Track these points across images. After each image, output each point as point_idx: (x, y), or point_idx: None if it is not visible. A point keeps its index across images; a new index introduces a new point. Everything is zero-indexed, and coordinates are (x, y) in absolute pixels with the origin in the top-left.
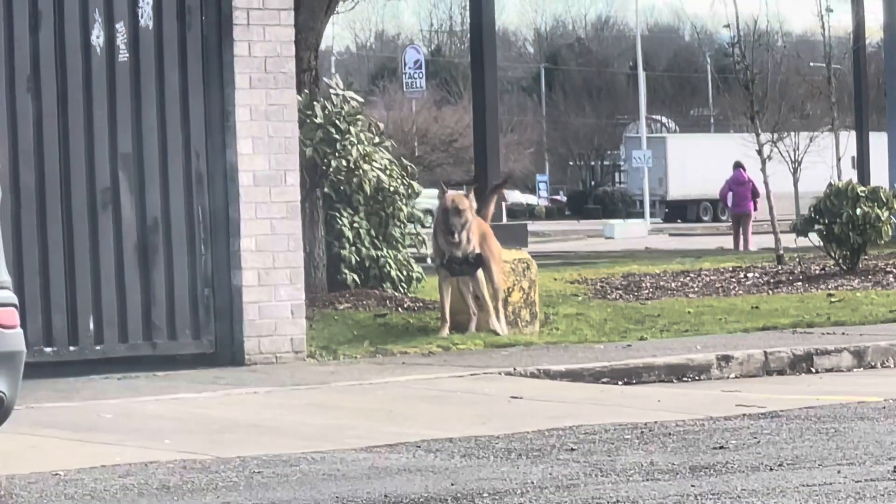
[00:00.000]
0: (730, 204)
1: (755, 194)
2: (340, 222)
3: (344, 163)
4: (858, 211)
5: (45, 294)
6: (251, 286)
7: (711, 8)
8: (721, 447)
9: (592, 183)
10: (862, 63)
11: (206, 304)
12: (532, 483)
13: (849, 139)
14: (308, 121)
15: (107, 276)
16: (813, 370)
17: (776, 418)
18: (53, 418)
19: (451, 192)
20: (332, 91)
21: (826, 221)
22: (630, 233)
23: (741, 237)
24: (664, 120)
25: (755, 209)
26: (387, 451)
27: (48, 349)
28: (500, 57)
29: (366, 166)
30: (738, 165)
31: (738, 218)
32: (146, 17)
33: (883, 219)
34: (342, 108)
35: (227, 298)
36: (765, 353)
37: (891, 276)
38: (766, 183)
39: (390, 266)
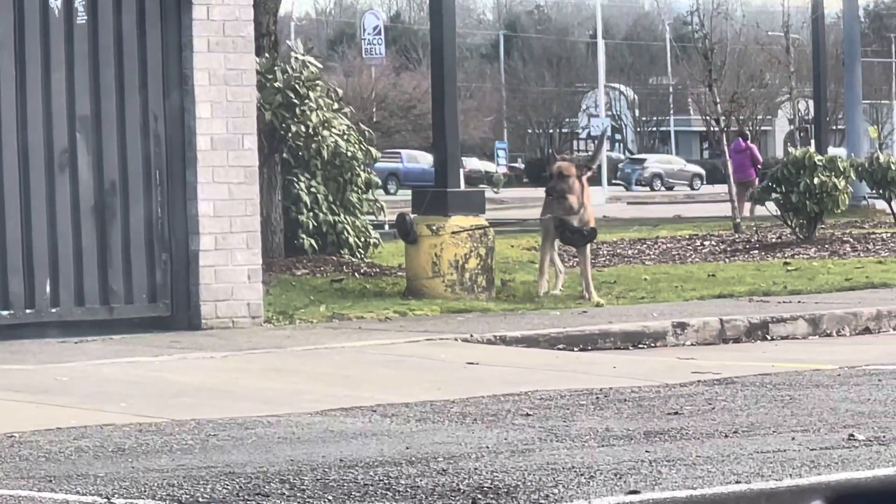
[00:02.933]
0: (731, 171)
1: (754, 161)
2: (298, 187)
3: (303, 128)
4: (816, 180)
5: (2, 257)
6: (208, 250)
7: None
8: (676, 413)
9: (550, 150)
10: (820, 33)
11: (163, 268)
12: (487, 448)
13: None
14: (268, 85)
15: (63, 239)
16: (769, 338)
17: (731, 385)
18: (9, 381)
19: (560, 161)
20: (292, 55)
21: (783, 190)
22: None
23: (743, 203)
24: (623, 88)
25: (756, 175)
26: (342, 415)
27: (4, 312)
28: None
29: (324, 132)
30: (739, 134)
31: (741, 185)
32: None
33: (840, 188)
34: (301, 72)
35: (183, 262)
36: (721, 320)
37: (847, 245)
38: (724, 152)
39: (348, 232)
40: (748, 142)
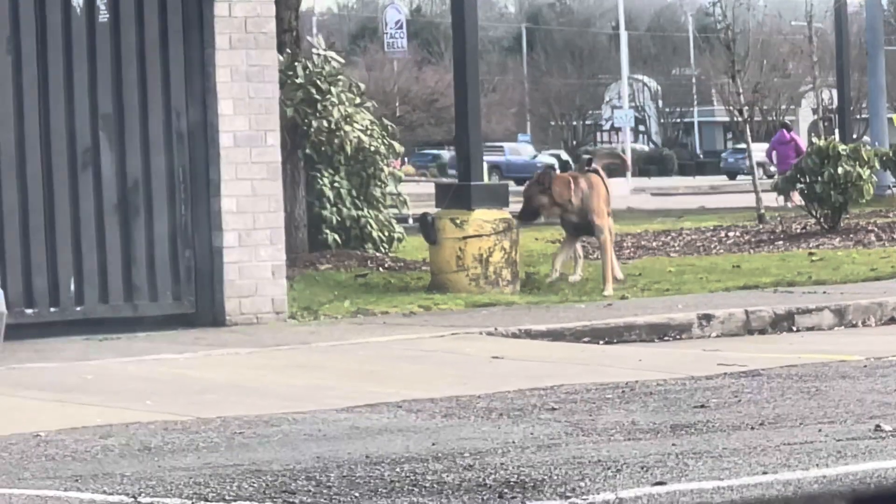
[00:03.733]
0: (775, 162)
1: (798, 153)
2: (321, 183)
3: (325, 123)
4: (840, 170)
5: (26, 255)
6: (232, 247)
7: None
8: (702, 406)
9: (574, 143)
10: (843, 21)
11: (186, 265)
12: (513, 443)
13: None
14: (289, 81)
15: (87, 237)
16: (794, 329)
17: (757, 377)
18: (34, 379)
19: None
20: (313, 51)
21: (808, 180)
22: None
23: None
24: (646, 80)
25: None
26: (368, 411)
27: (29, 311)
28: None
29: (347, 127)
30: (782, 125)
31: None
32: None
33: (864, 177)
34: (323, 68)
35: (207, 259)
36: (746, 311)
37: (872, 234)
38: (748, 143)
39: (371, 226)
40: (792, 133)
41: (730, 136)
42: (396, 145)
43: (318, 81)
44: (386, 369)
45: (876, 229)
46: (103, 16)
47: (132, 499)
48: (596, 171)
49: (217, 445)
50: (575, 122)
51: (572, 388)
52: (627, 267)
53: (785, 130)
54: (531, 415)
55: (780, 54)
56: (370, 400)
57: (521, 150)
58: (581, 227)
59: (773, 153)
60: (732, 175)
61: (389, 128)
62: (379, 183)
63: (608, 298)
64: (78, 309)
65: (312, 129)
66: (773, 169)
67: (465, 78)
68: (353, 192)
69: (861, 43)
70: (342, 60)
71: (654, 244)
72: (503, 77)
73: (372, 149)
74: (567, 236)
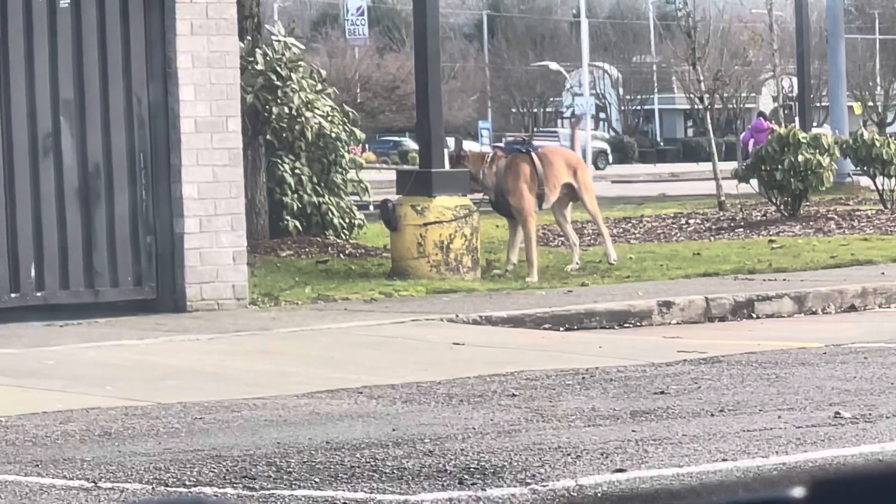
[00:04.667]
0: (751, 150)
1: None
2: (282, 169)
3: (286, 110)
4: (800, 157)
5: None
6: (193, 233)
7: None
8: (662, 392)
9: (535, 129)
10: (804, 10)
11: (147, 251)
12: (473, 428)
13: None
14: (249, 67)
15: (48, 223)
16: (754, 316)
17: (717, 364)
18: None
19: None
20: (273, 38)
21: (768, 168)
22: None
23: None
24: (606, 67)
25: None
26: (328, 396)
27: None
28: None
29: (308, 113)
30: (760, 114)
31: None
32: None
33: (825, 165)
34: (283, 54)
35: (168, 245)
36: (706, 299)
37: (832, 222)
38: (708, 130)
39: (332, 213)
40: (769, 122)
41: (690, 123)
42: (357, 132)
43: (279, 68)
44: (347, 355)
45: (836, 217)
46: (64, 2)
47: (92, 483)
48: (528, 154)
49: (177, 431)
50: (536, 110)
51: (533, 375)
52: (588, 254)
53: (763, 119)
54: (491, 401)
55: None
56: (331, 386)
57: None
58: (501, 206)
59: (751, 141)
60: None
61: (350, 114)
62: (340, 169)
63: (532, 286)
64: (38, 294)
65: (273, 116)
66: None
67: (426, 65)
68: (314, 179)
69: (821, 31)
70: (303, 47)
71: (615, 231)
72: (464, 64)
73: (333, 135)
74: (507, 221)
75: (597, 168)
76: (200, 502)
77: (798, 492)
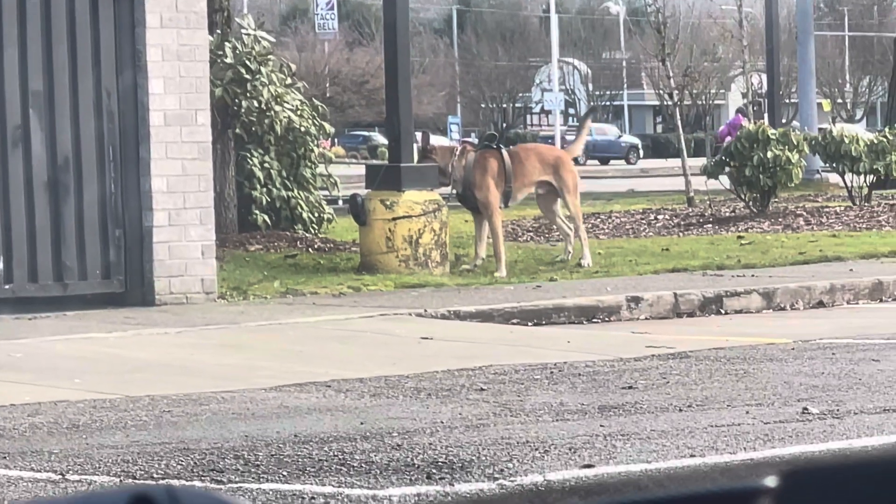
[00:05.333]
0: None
1: None
2: (251, 163)
3: (255, 103)
4: (770, 154)
5: None
6: (161, 226)
7: None
8: (630, 387)
9: (504, 125)
10: (773, 6)
11: (116, 244)
12: (441, 422)
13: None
14: (219, 61)
15: (17, 216)
16: (723, 312)
17: (685, 359)
18: None
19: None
20: (243, 31)
21: (737, 164)
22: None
23: None
24: (576, 63)
25: None
26: (297, 390)
27: None
28: None
29: (277, 107)
30: (738, 111)
31: None
32: None
33: (794, 161)
34: (253, 48)
35: (137, 238)
36: (675, 294)
37: (801, 218)
38: (678, 126)
39: (301, 207)
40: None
41: (659, 119)
42: (327, 126)
43: (248, 61)
44: (315, 349)
45: (805, 213)
46: None
47: (60, 476)
48: (498, 150)
49: (145, 424)
50: (505, 105)
51: (501, 369)
52: (557, 249)
53: (740, 115)
54: (459, 395)
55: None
56: (299, 379)
57: (606, 130)
58: (468, 200)
59: (728, 137)
60: None
61: (320, 108)
62: (309, 164)
63: (500, 280)
64: (7, 287)
65: (243, 110)
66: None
67: (395, 60)
68: (284, 173)
69: (791, 27)
70: (272, 40)
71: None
72: (434, 58)
73: (302, 129)
74: (473, 215)
75: (628, 163)
76: (171, 490)
77: (770, 481)
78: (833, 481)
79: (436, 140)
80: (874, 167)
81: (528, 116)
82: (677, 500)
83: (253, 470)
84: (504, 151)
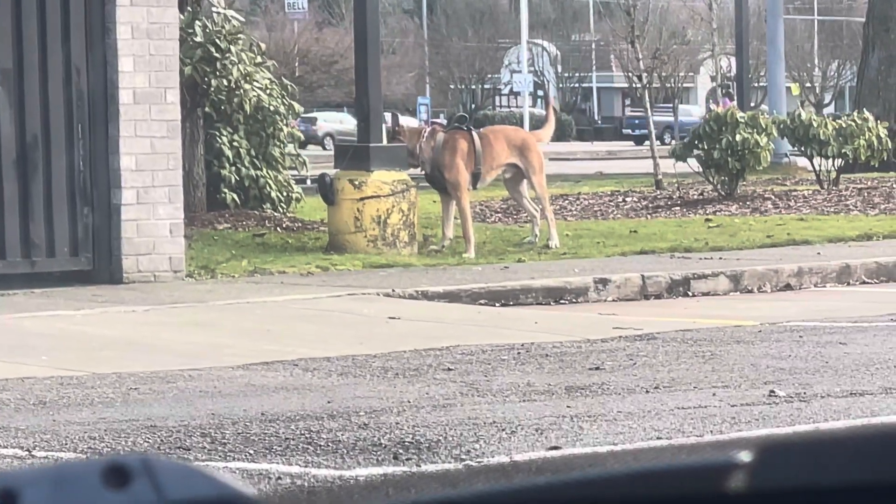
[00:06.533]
0: None
1: None
2: (220, 142)
3: (224, 82)
4: (738, 137)
5: None
6: (130, 204)
7: None
8: (597, 368)
9: (473, 106)
10: None
11: (84, 222)
12: (408, 402)
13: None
14: (188, 39)
15: None
16: (690, 294)
17: (652, 341)
18: None
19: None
20: (213, 10)
21: (705, 147)
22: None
23: None
24: (545, 44)
25: None
26: (264, 368)
27: None
28: None
29: (246, 86)
30: (726, 94)
31: None
32: None
33: (762, 144)
34: (223, 27)
35: (105, 216)
36: (642, 276)
37: (769, 202)
38: (647, 108)
39: (270, 186)
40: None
41: (628, 101)
42: (296, 105)
43: (218, 40)
44: (282, 328)
45: (773, 197)
46: None
47: (26, 452)
48: (468, 131)
49: (112, 401)
50: (474, 86)
51: (468, 349)
52: (525, 230)
53: (728, 99)
54: (427, 375)
55: (680, 21)
56: (266, 358)
57: (692, 111)
58: (436, 180)
59: None
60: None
61: (289, 88)
62: (278, 143)
63: (468, 261)
64: None
65: (212, 88)
66: None
67: (365, 40)
68: (252, 152)
69: (760, 11)
70: (242, 20)
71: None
72: (403, 40)
73: (271, 108)
74: (440, 196)
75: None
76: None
77: (744, 456)
78: (808, 456)
79: (405, 121)
80: (842, 151)
81: (497, 98)
82: (653, 473)
83: (220, 448)
84: (474, 133)
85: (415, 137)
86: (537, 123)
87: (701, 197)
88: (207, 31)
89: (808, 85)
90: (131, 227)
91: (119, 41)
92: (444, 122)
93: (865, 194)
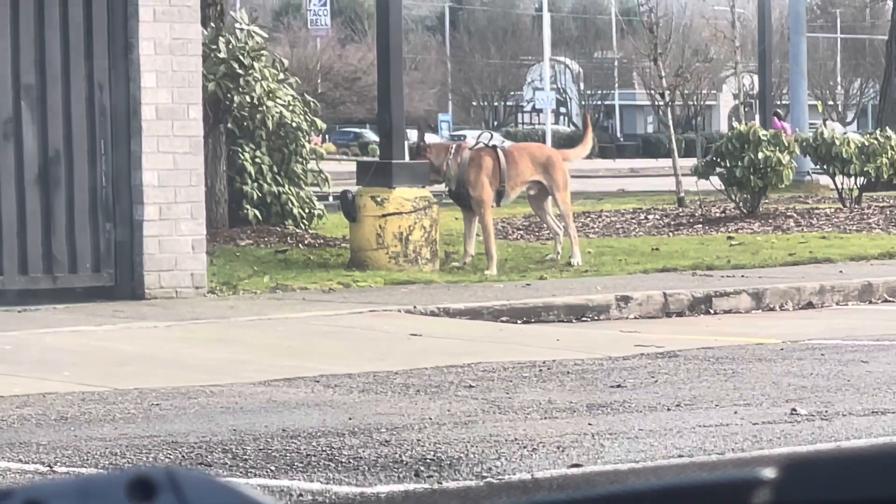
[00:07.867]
0: None
1: None
2: (242, 158)
3: (247, 98)
4: (760, 154)
5: None
6: (152, 220)
7: None
8: (619, 386)
9: (495, 123)
10: (766, 7)
11: (106, 238)
12: (430, 419)
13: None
14: (212, 55)
15: (7, 208)
16: (712, 312)
17: (674, 358)
18: None
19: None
20: (236, 26)
21: (727, 164)
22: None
23: None
24: (568, 62)
25: None
26: (285, 385)
27: None
28: None
29: (269, 102)
30: (774, 113)
31: None
32: None
33: (784, 162)
34: (246, 43)
35: (127, 232)
36: (664, 294)
37: (791, 220)
38: (669, 126)
39: (292, 203)
40: (783, 121)
41: (650, 119)
42: (318, 122)
43: (241, 56)
44: (304, 344)
45: (795, 215)
46: None
47: (48, 468)
48: (494, 149)
49: (134, 417)
50: (496, 103)
51: (490, 366)
52: (546, 247)
53: (776, 118)
54: (448, 392)
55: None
56: (288, 374)
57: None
58: (460, 197)
59: None
60: None
61: (311, 104)
62: (300, 159)
63: (490, 278)
64: None
65: (235, 104)
66: None
67: (388, 56)
68: (275, 168)
69: (783, 28)
70: (265, 35)
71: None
72: (426, 56)
73: (294, 125)
74: (463, 212)
75: None
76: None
77: (769, 472)
78: (834, 473)
79: (429, 138)
80: (865, 169)
81: (520, 115)
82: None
83: (241, 464)
84: (500, 151)
85: (442, 154)
86: (560, 141)
87: (723, 215)
88: (231, 47)
89: (830, 103)
90: (153, 244)
91: (142, 57)
92: (489, 136)
93: (888, 213)
